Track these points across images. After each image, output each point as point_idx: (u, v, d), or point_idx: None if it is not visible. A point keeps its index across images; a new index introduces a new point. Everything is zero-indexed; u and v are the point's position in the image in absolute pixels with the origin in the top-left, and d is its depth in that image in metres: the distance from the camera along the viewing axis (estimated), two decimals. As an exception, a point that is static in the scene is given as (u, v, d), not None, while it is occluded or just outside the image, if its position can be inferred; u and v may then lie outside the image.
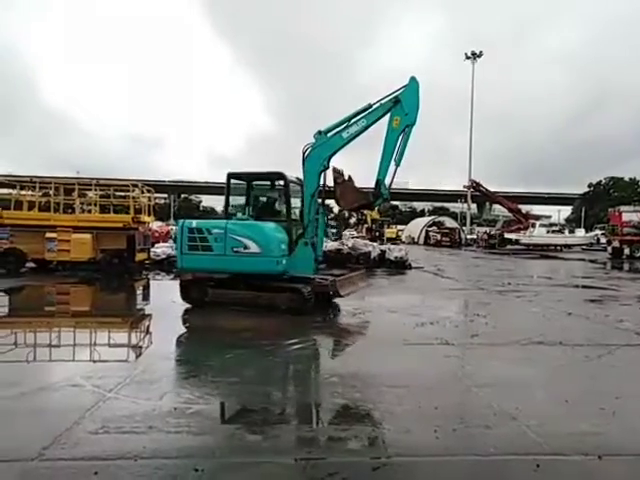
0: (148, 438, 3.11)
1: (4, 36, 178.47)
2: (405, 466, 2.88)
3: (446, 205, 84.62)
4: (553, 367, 5.04)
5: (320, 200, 8.17)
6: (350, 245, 17.09)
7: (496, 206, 53.58)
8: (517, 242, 34.73)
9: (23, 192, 14.72)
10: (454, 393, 4.28)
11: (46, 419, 3.53)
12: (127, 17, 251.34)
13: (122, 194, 15.65)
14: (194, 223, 8.04)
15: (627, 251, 26.52)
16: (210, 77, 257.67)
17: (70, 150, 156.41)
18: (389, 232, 41.10)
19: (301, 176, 8.09)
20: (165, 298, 9.03)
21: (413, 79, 7.88)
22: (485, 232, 39.99)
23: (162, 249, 15.88)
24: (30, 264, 13.63)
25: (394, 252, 16.97)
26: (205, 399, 3.86)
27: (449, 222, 47.09)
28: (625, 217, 27.79)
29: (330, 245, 16.61)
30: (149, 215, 14.64)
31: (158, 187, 31.56)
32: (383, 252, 16.94)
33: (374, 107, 7.83)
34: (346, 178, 8.19)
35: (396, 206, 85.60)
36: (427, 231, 41.90)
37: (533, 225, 35.66)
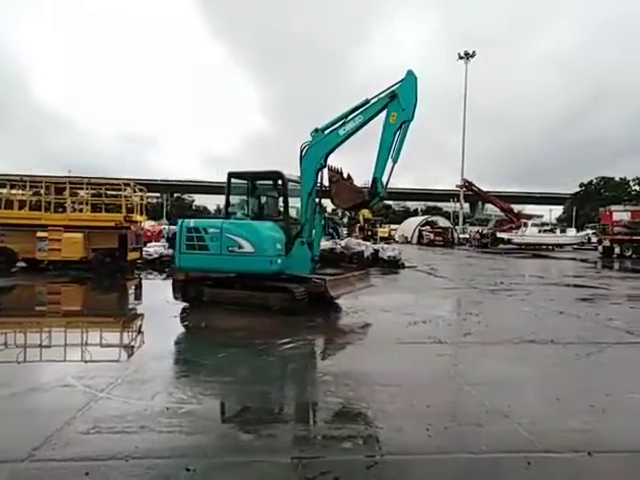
0: (140, 438, 3.09)
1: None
2: (398, 464, 2.89)
3: (439, 204, 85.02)
4: (544, 365, 5.08)
5: (317, 199, 8.10)
6: (343, 244, 17.12)
7: (488, 206, 53.82)
8: (509, 241, 34.95)
9: (13, 191, 14.57)
10: (447, 391, 4.30)
11: (37, 420, 3.50)
12: (122, 15, 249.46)
13: (114, 193, 15.54)
14: (192, 222, 8.02)
15: (617, 250, 26.80)
16: (205, 76, 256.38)
17: (63, 149, 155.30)
18: (381, 231, 41.26)
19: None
20: (157, 297, 8.99)
21: (410, 73, 7.57)
22: (477, 231, 40.25)
23: (154, 248, 15.81)
24: (21, 264, 13.51)
25: (387, 251, 17.01)
26: (198, 399, 3.84)
27: (442, 221, 47.28)
28: (616, 216, 28.10)
29: (323, 244, 16.60)
30: (141, 214, 14.55)
31: (150, 186, 31.40)
32: (376, 251, 16.97)
33: (371, 102, 7.62)
34: (345, 176, 8.05)
35: (389, 205, 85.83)
36: (420, 230, 42.07)
37: (525, 224, 35.91)
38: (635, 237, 26.72)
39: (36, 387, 4.19)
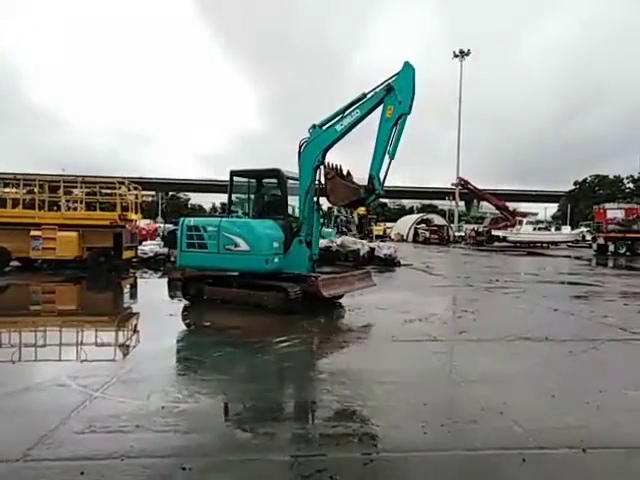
0: (135, 437, 3.08)
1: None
2: (394, 461, 2.90)
3: (435, 202, 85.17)
4: (539, 362, 5.10)
5: (315, 197, 8.02)
6: (339, 242, 17.11)
7: (484, 203, 54.13)
8: (504, 239, 35.12)
9: (7, 189, 14.47)
10: (442, 389, 4.31)
11: (31, 419, 3.47)
12: (117, 14, 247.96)
13: (109, 191, 15.47)
14: (192, 221, 8.00)
15: (612, 248, 27.00)
16: (200, 75, 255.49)
17: (58, 148, 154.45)
18: (377, 229, 41.30)
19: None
20: (153, 296, 8.97)
21: (407, 64, 7.31)
22: (473, 229, 40.43)
23: (149, 247, 15.77)
24: (15, 263, 13.42)
25: (383, 249, 17.02)
26: (194, 397, 3.83)
27: (437, 219, 47.46)
28: (610, 214, 28.32)
29: (322, 243, 16.59)
30: (136, 213, 14.50)
31: (145, 184, 31.31)
32: (372, 249, 16.98)
33: (368, 96, 7.47)
34: (345, 173, 7.93)
35: (385, 203, 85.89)
36: (416, 228, 42.20)
37: (520, 222, 36.09)
38: (629, 234, 26.94)
39: (31, 386, 4.17)
